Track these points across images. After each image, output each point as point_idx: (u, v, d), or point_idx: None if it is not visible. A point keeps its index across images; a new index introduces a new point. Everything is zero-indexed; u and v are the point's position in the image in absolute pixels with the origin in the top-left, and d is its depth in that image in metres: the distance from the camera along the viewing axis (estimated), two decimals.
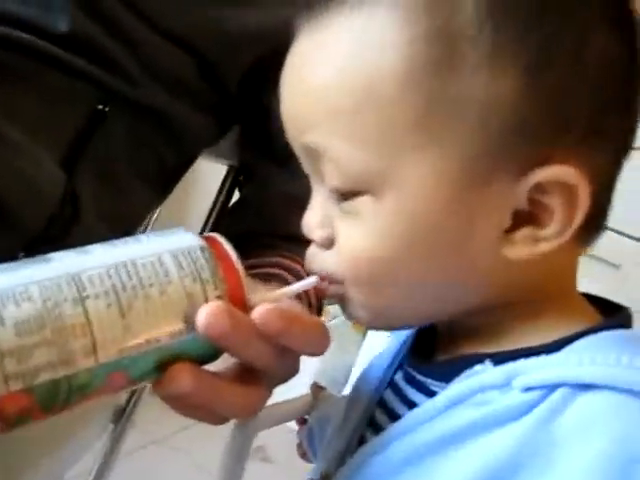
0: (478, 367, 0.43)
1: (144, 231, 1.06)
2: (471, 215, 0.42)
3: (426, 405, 0.44)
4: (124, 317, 0.38)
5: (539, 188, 0.41)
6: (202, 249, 0.41)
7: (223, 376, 0.43)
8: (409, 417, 0.45)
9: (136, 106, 0.72)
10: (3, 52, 0.65)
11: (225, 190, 1.03)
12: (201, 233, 0.43)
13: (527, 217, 0.42)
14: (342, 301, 0.47)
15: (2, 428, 0.36)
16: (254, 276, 0.64)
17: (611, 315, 0.46)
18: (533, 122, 0.40)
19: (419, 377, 0.48)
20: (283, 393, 0.60)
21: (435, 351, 0.50)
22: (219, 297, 0.40)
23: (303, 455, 0.84)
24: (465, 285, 0.44)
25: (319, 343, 0.44)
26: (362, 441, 0.50)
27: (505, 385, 0.41)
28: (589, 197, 0.41)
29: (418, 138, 0.41)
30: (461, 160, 0.41)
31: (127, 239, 0.42)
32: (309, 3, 0.44)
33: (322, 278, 0.46)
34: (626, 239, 1.50)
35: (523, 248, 0.42)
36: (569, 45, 0.40)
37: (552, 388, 0.39)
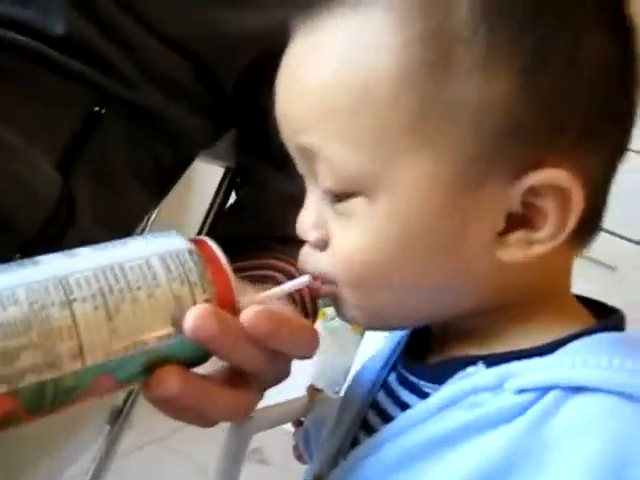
0: (471, 369, 0.43)
1: (141, 233, 1.06)
2: (464, 218, 0.42)
3: (419, 407, 0.44)
4: (111, 320, 0.38)
5: (533, 191, 0.41)
6: (190, 252, 0.41)
7: (212, 379, 0.43)
8: (402, 419, 0.45)
9: (132, 108, 0.72)
10: None
11: (222, 192, 1.03)
12: (198, 234, 0.43)
13: (521, 220, 0.42)
14: (335, 301, 0.47)
15: None
16: (248, 278, 0.64)
17: (604, 317, 0.46)
18: (527, 125, 0.40)
19: (412, 379, 0.48)
20: (278, 395, 0.60)
21: (428, 353, 0.50)
22: (207, 300, 0.40)
23: (299, 457, 0.84)
24: (459, 287, 0.44)
25: (308, 346, 0.44)
26: (355, 443, 0.50)
27: (498, 387, 0.41)
28: (583, 200, 0.41)
29: (412, 141, 0.41)
30: (455, 163, 0.40)
31: (116, 242, 0.42)
32: (305, 5, 0.44)
33: (315, 278, 0.46)
34: (622, 241, 1.51)
35: (517, 251, 0.42)
36: (564, 47, 0.40)
37: (545, 390, 0.39)
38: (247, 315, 0.41)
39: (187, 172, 0.85)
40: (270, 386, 0.46)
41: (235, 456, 0.83)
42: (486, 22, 0.39)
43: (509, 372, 0.41)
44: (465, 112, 0.40)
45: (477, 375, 0.42)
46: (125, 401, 1.05)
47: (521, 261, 0.42)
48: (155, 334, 0.39)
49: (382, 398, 0.51)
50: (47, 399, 0.37)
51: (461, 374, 0.43)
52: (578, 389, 0.38)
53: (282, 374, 0.46)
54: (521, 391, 0.40)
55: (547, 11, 0.40)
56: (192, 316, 0.39)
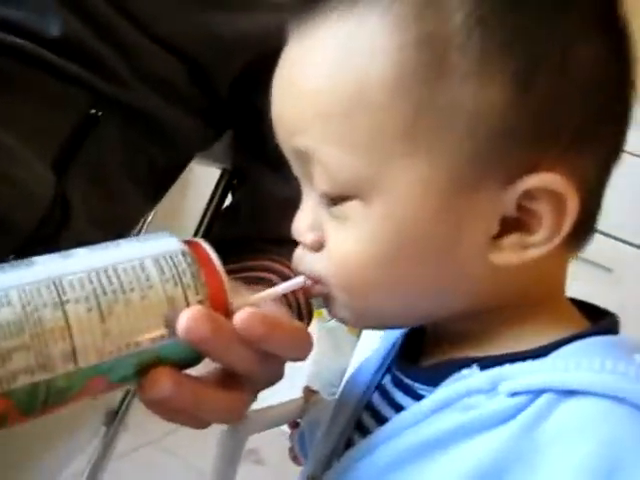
0: (465, 372, 0.43)
1: (137, 234, 1.06)
2: (459, 221, 0.42)
3: (413, 409, 0.44)
4: (104, 322, 0.38)
5: (527, 195, 0.41)
6: (184, 254, 0.41)
7: (205, 380, 0.43)
8: (396, 420, 0.45)
9: (128, 110, 0.72)
10: None
11: (218, 194, 1.04)
12: (195, 236, 0.43)
13: (515, 224, 0.42)
14: (327, 300, 0.47)
15: None
16: (243, 280, 0.63)
17: (599, 320, 0.46)
18: (522, 129, 0.40)
19: (406, 380, 0.48)
20: (274, 396, 0.60)
21: (422, 355, 0.50)
22: (200, 302, 0.40)
23: (294, 458, 0.84)
24: (453, 290, 0.44)
25: (302, 348, 0.44)
26: (349, 444, 0.50)
27: (491, 390, 0.41)
28: (577, 204, 0.41)
29: (407, 145, 0.41)
30: (449, 168, 0.41)
31: (109, 244, 0.42)
32: (300, 8, 0.44)
33: (308, 279, 0.46)
34: (619, 243, 1.51)
35: (511, 254, 0.42)
36: (557, 52, 0.40)
37: (537, 393, 0.39)
38: (240, 317, 0.41)
39: (184, 174, 0.86)
40: (263, 388, 0.46)
41: (231, 457, 0.84)
42: (480, 27, 0.39)
43: (503, 375, 0.41)
44: (460, 117, 0.40)
45: (471, 378, 0.42)
46: (121, 403, 1.05)
47: (516, 264, 0.42)
48: (148, 336, 0.39)
49: (377, 400, 0.51)
50: (40, 400, 0.37)
51: (455, 376, 0.43)
52: (571, 392, 0.38)
53: (275, 376, 0.46)
54: (514, 394, 0.40)
55: (540, 16, 0.40)
56: (185, 318, 0.39)
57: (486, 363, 0.42)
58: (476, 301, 0.45)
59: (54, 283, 0.38)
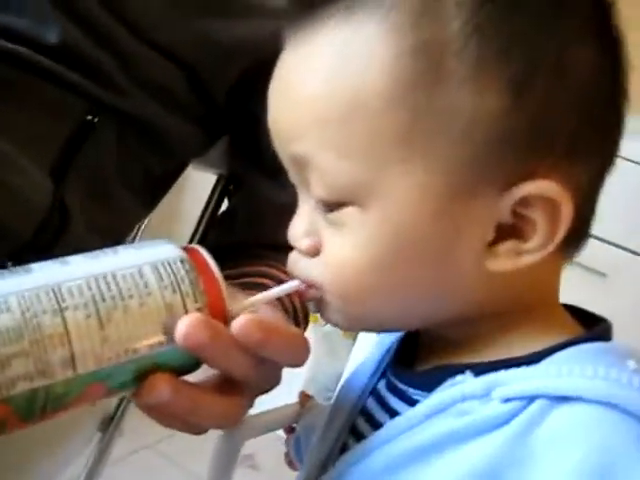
0: (459, 377, 0.43)
1: (133, 240, 1.06)
2: (455, 227, 0.42)
3: (407, 414, 0.45)
4: (103, 328, 0.38)
5: (523, 202, 0.41)
6: (182, 261, 0.41)
7: (202, 386, 0.44)
8: (390, 426, 0.45)
9: (125, 117, 0.72)
10: None
11: (215, 199, 1.03)
12: (191, 241, 0.43)
13: (510, 230, 0.42)
14: (320, 305, 0.47)
15: None
16: (240, 286, 0.64)
17: (592, 326, 0.46)
18: (517, 136, 0.40)
19: (401, 386, 0.49)
20: (270, 401, 0.60)
21: (417, 360, 0.51)
22: (199, 309, 0.41)
23: (290, 463, 0.84)
24: (448, 295, 0.45)
25: (299, 354, 0.44)
26: (344, 449, 0.50)
27: (485, 395, 0.41)
28: (572, 211, 0.41)
29: (403, 151, 0.41)
30: (446, 174, 0.41)
31: (108, 250, 0.42)
32: (297, 15, 0.44)
33: (302, 282, 0.47)
34: (612, 247, 1.51)
35: (506, 261, 0.42)
36: (552, 59, 0.40)
37: (530, 399, 0.39)
38: (238, 323, 0.41)
39: (179, 179, 0.86)
40: (261, 393, 0.47)
41: (226, 463, 0.83)
42: (477, 35, 0.40)
43: (496, 381, 0.41)
44: (456, 123, 0.40)
45: (465, 383, 0.42)
46: (116, 408, 1.05)
47: (510, 271, 0.42)
48: (147, 342, 0.39)
49: (371, 405, 0.51)
50: (38, 406, 0.37)
51: (449, 382, 0.43)
52: (563, 398, 0.39)
53: (273, 382, 0.46)
54: (508, 400, 0.40)
55: (536, 23, 0.40)
56: (183, 324, 0.39)
57: (480, 369, 0.43)
58: (471, 307, 0.45)
59: (53, 290, 0.38)
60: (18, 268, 0.40)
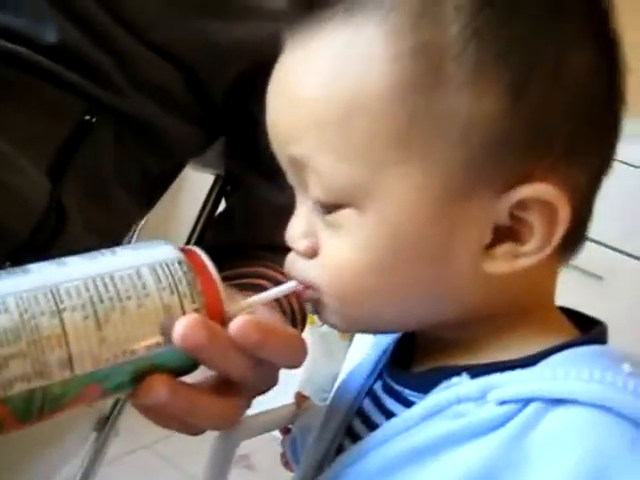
0: (455, 379, 0.43)
1: (130, 240, 1.06)
2: (453, 230, 0.42)
3: (403, 415, 0.45)
4: (101, 329, 0.38)
5: (520, 205, 0.41)
6: (180, 262, 0.41)
7: (200, 387, 0.44)
8: (386, 427, 0.46)
9: (123, 117, 0.72)
10: None
11: (212, 199, 1.03)
12: (188, 242, 0.43)
13: (508, 232, 0.42)
14: (317, 306, 0.47)
15: None
16: (237, 287, 0.64)
17: (588, 329, 0.46)
18: (515, 139, 0.40)
19: (397, 387, 0.49)
20: (267, 402, 0.61)
21: (413, 362, 0.51)
22: (197, 310, 0.41)
23: (286, 464, 0.84)
24: (445, 298, 0.45)
25: (296, 355, 0.45)
26: (340, 450, 0.51)
27: (481, 398, 0.41)
28: (569, 214, 0.41)
29: (401, 154, 0.41)
30: (443, 177, 0.41)
31: (105, 251, 0.42)
32: (296, 17, 0.44)
33: (300, 283, 0.47)
34: (609, 250, 1.51)
35: (503, 263, 0.42)
36: (550, 63, 0.41)
37: (526, 402, 0.39)
38: (235, 325, 0.41)
39: (177, 179, 0.86)
40: (258, 394, 0.47)
41: (222, 463, 0.84)
42: (475, 39, 0.40)
43: (492, 383, 0.41)
44: (454, 126, 0.40)
45: (461, 385, 0.42)
46: (112, 408, 1.05)
47: (507, 273, 0.42)
48: (144, 343, 0.40)
49: (368, 406, 0.51)
50: (36, 407, 0.37)
51: (445, 384, 0.43)
52: (559, 401, 0.39)
53: (270, 383, 0.46)
54: (503, 402, 0.40)
55: (534, 27, 0.41)
56: (181, 326, 0.40)
57: (476, 371, 0.43)
58: (468, 309, 0.45)
59: (51, 291, 0.38)
60: (16, 269, 0.40)
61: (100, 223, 0.74)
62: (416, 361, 0.50)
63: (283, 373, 0.47)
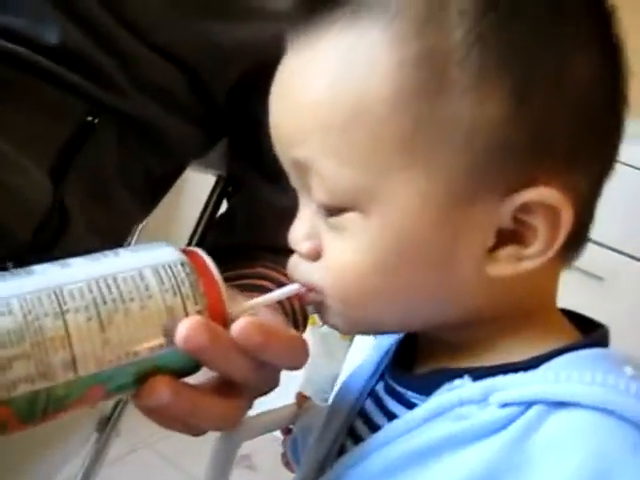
0: (457, 382, 0.43)
1: (131, 241, 1.06)
2: (456, 233, 0.42)
3: (405, 417, 0.45)
4: (104, 331, 0.38)
5: (524, 208, 0.41)
6: (183, 264, 0.42)
7: (202, 388, 0.44)
8: (388, 429, 0.46)
9: (125, 118, 0.72)
10: None
11: (213, 200, 1.03)
12: (189, 243, 0.43)
13: (511, 236, 0.42)
14: (319, 308, 0.47)
15: None
16: (239, 287, 0.64)
17: (590, 332, 0.46)
18: (518, 143, 0.40)
19: (399, 389, 0.49)
20: (268, 402, 0.61)
21: (415, 363, 0.51)
22: (199, 311, 0.41)
23: (287, 464, 0.84)
24: (448, 300, 0.45)
25: (298, 357, 0.45)
26: (342, 451, 0.51)
27: (483, 400, 0.41)
28: (572, 217, 0.41)
29: (405, 159, 0.41)
30: (447, 181, 0.41)
31: (108, 252, 0.42)
32: (299, 19, 0.44)
33: (302, 285, 0.47)
34: (610, 252, 1.51)
35: (506, 266, 0.42)
36: (553, 67, 0.41)
37: (528, 405, 0.39)
38: (238, 326, 0.41)
39: (178, 180, 0.86)
40: (259, 396, 0.47)
41: (224, 463, 0.83)
42: (479, 44, 0.40)
43: (494, 386, 0.41)
44: (458, 132, 0.40)
45: (463, 388, 0.42)
46: (114, 409, 1.05)
47: (510, 276, 0.42)
48: (147, 345, 0.40)
49: (369, 407, 0.51)
50: (39, 408, 0.37)
51: (448, 386, 0.43)
52: (561, 404, 0.39)
53: (271, 384, 0.47)
54: (505, 405, 0.40)
55: (535, 31, 0.41)
56: (184, 327, 0.40)
57: (478, 374, 0.43)
58: (471, 311, 0.45)
59: (55, 292, 0.38)
60: (19, 270, 0.40)
61: (102, 224, 0.74)
62: (418, 362, 0.50)
63: (284, 373, 0.47)
